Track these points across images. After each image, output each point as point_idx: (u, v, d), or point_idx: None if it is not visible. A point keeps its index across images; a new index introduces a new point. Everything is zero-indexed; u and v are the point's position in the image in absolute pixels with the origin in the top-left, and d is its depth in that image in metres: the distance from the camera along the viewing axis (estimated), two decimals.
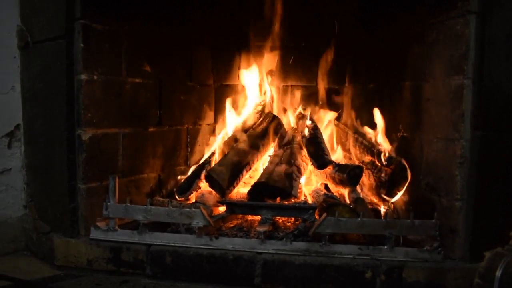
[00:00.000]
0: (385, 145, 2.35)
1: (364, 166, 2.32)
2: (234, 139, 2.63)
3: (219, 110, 2.91)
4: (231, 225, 2.14)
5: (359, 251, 1.82)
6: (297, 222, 2.13)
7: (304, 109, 2.77)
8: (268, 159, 2.52)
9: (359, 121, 2.62)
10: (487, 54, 1.70)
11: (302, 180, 2.43)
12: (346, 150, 2.67)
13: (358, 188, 2.31)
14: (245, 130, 2.66)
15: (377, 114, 2.42)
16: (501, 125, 1.70)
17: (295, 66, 2.91)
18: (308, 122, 2.64)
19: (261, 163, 2.58)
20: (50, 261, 2.03)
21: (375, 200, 2.33)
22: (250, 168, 2.48)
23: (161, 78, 2.42)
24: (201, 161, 2.58)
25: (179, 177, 2.56)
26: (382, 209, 2.18)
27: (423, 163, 2.04)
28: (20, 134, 2.28)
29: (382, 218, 1.99)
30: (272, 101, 2.85)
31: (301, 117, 2.72)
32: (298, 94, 2.91)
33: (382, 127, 2.39)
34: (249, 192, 2.27)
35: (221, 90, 2.94)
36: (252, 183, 2.34)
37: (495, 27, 1.69)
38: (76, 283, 1.86)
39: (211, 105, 2.90)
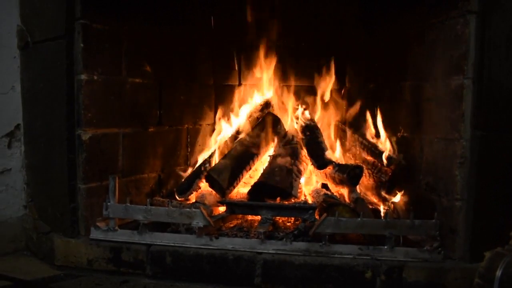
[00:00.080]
0: (385, 145, 2.35)
1: (364, 166, 2.32)
2: (234, 139, 2.63)
3: (219, 110, 2.91)
4: (231, 225, 2.14)
5: (359, 251, 1.82)
6: (297, 222, 2.13)
7: (304, 109, 2.76)
8: (268, 159, 2.52)
9: (359, 121, 2.61)
10: (487, 54, 1.70)
11: (302, 180, 2.43)
12: (346, 150, 2.67)
13: (358, 188, 2.31)
14: (245, 130, 2.65)
15: (377, 114, 2.42)
16: (501, 125, 1.70)
17: (295, 66, 2.90)
18: (308, 122, 2.64)
19: (261, 163, 2.58)
20: (50, 261, 2.03)
21: (375, 200, 2.33)
22: (250, 168, 2.48)
23: (161, 78, 2.42)
24: (201, 161, 2.58)
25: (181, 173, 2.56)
26: (382, 209, 2.18)
27: (423, 163, 2.04)
28: (20, 134, 2.28)
29: (382, 218, 1.99)
30: (272, 101, 2.85)
31: (301, 117, 2.71)
32: (298, 94, 2.90)
33: (382, 127, 2.39)
34: (249, 192, 2.28)
35: (221, 90, 2.94)
36: (252, 183, 2.34)
37: (495, 27, 1.69)
38: (76, 283, 1.86)
39: (211, 105, 2.90)
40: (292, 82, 2.92)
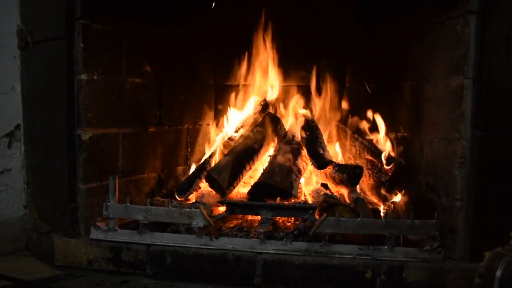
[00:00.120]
0: (385, 145, 2.35)
1: (364, 166, 2.32)
2: (234, 139, 2.63)
3: (219, 110, 2.91)
4: (231, 225, 2.14)
5: (359, 251, 1.81)
6: (297, 222, 2.13)
7: (305, 109, 2.76)
8: (268, 159, 2.52)
9: (359, 121, 2.61)
10: (487, 54, 1.70)
11: (302, 180, 2.43)
12: (346, 150, 2.67)
13: (358, 188, 2.31)
14: (245, 130, 2.65)
15: (377, 115, 2.42)
16: (501, 125, 1.70)
17: (295, 66, 2.91)
18: (308, 122, 2.64)
19: (261, 163, 2.58)
20: (50, 261, 2.03)
21: (375, 200, 2.33)
22: (250, 168, 2.48)
23: (161, 78, 2.42)
24: (201, 161, 2.58)
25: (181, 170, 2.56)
26: (382, 209, 2.18)
27: (423, 163, 2.04)
28: (20, 134, 2.28)
29: (382, 218, 1.99)
30: (272, 101, 2.85)
31: (301, 117, 2.72)
32: (298, 94, 2.90)
33: (382, 127, 2.39)
34: (249, 192, 2.28)
35: (221, 90, 2.94)
36: (252, 183, 2.34)
37: (495, 27, 1.69)
38: (76, 283, 1.86)
39: (211, 105, 2.90)
40: (292, 82, 2.93)
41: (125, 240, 1.94)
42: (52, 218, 2.11)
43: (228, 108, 2.87)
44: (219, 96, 2.92)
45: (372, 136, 2.45)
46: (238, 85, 2.97)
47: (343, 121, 2.84)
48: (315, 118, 2.75)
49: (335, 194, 2.34)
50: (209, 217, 1.92)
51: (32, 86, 2.21)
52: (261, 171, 2.43)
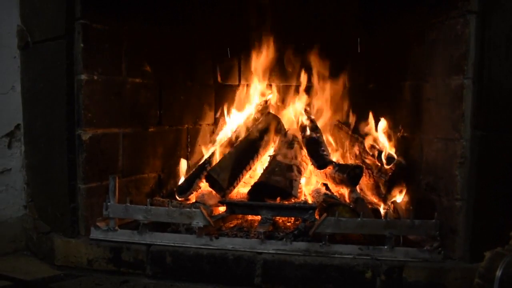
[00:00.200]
0: (385, 145, 2.35)
1: (364, 166, 2.32)
2: (234, 139, 2.63)
3: (219, 110, 2.91)
4: (231, 225, 2.14)
5: (359, 251, 1.81)
6: (297, 222, 2.13)
7: (305, 109, 2.76)
8: (268, 159, 2.52)
9: (359, 121, 2.61)
10: (487, 54, 1.70)
11: (302, 180, 2.43)
12: (346, 150, 2.67)
13: (358, 188, 2.31)
14: (245, 130, 2.65)
15: (377, 114, 2.42)
16: (501, 125, 1.70)
17: (296, 66, 2.91)
18: (308, 122, 2.64)
19: (261, 163, 2.58)
20: (50, 261, 2.03)
21: (375, 200, 2.33)
22: (250, 168, 2.48)
23: (161, 78, 2.42)
24: (201, 161, 2.58)
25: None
26: (382, 209, 2.18)
27: (423, 163, 2.04)
28: (20, 134, 2.28)
29: (382, 218, 1.99)
30: (273, 101, 2.85)
31: (301, 117, 2.72)
32: (298, 94, 2.90)
33: (382, 127, 2.39)
34: (249, 192, 2.28)
35: (221, 90, 2.94)
36: (252, 183, 2.34)
37: (495, 27, 1.69)
38: (76, 283, 1.86)
39: (211, 105, 2.90)
40: (292, 82, 2.93)
41: (125, 240, 1.94)
42: (52, 218, 2.11)
43: (228, 108, 2.86)
44: (219, 96, 2.92)
45: (372, 136, 2.45)
46: (238, 85, 2.97)
47: (343, 121, 2.84)
48: (315, 118, 2.75)
49: (335, 194, 2.34)
50: (209, 217, 1.92)
51: (32, 86, 2.21)
52: (261, 171, 2.43)
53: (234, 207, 2.17)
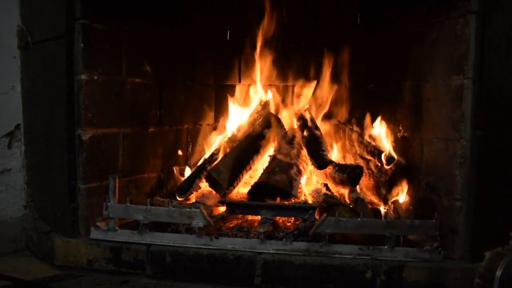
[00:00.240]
0: (385, 145, 2.35)
1: (364, 166, 2.32)
2: (234, 139, 2.63)
3: (219, 110, 2.91)
4: (231, 225, 2.14)
5: (359, 251, 1.82)
6: (297, 222, 2.13)
7: (305, 109, 2.76)
8: (268, 159, 2.52)
9: (360, 121, 2.61)
10: (487, 54, 1.70)
11: (302, 180, 2.43)
12: (346, 150, 2.67)
13: (358, 188, 2.31)
14: (245, 130, 2.65)
15: (377, 114, 2.42)
16: (501, 125, 1.70)
17: (296, 66, 2.91)
18: (308, 122, 2.64)
19: (261, 163, 2.58)
20: (50, 261, 2.03)
21: (375, 200, 2.33)
22: (250, 168, 2.48)
23: (161, 78, 2.42)
24: (201, 161, 2.58)
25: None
26: (382, 209, 2.18)
27: (423, 163, 2.04)
28: (20, 134, 2.28)
29: (382, 218, 1.99)
30: (272, 101, 2.85)
31: (302, 117, 2.72)
32: (298, 94, 2.90)
33: (382, 127, 2.39)
34: (249, 192, 2.28)
35: (221, 90, 2.94)
36: (252, 183, 2.34)
37: (495, 27, 1.69)
38: (76, 283, 1.86)
39: (211, 105, 2.90)
40: (292, 82, 2.92)
41: (125, 240, 1.94)
42: (52, 218, 2.11)
43: (228, 108, 2.86)
44: (219, 96, 2.92)
45: (372, 136, 2.45)
46: (238, 85, 2.96)
47: (343, 121, 2.84)
48: (315, 118, 2.75)
49: (335, 194, 2.34)
50: (209, 217, 1.92)
51: (32, 86, 2.21)
52: (261, 171, 2.43)
53: (234, 207, 2.17)
